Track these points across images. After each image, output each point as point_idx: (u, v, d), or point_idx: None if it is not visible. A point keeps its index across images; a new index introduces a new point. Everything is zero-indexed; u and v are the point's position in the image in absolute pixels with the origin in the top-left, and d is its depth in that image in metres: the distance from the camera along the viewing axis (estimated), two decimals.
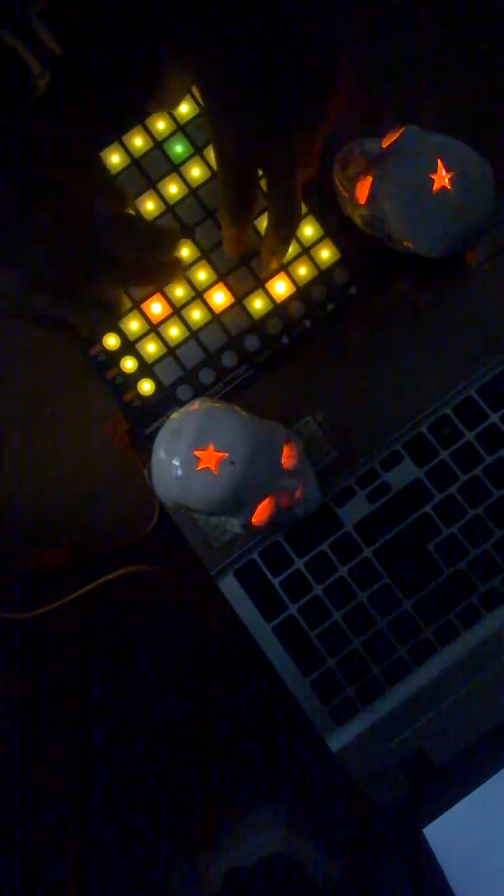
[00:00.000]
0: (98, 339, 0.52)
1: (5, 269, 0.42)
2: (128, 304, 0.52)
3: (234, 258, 0.52)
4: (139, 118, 0.52)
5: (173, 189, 0.52)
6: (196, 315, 0.53)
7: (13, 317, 0.44)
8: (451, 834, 0.49)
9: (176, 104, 0.51)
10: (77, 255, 0.43)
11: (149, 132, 0.53)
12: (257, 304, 0.53)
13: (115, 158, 0.52)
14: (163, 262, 0.48)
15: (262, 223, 0.51)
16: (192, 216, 0.52)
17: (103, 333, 0.52)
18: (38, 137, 0.42)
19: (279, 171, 0.44)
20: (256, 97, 0.41)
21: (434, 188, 0.46)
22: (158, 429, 0.48)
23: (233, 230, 0.48)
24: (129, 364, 0.53)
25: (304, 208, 0.51)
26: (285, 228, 0.47)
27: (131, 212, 0.52)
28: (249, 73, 0.41)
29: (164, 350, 0.53)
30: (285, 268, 0.53)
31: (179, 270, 0.50)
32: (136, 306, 0.52)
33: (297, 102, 0.42)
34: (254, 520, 0.46)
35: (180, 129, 0.52)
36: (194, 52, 0.42)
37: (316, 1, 0.41)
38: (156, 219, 0.52)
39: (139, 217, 0.52)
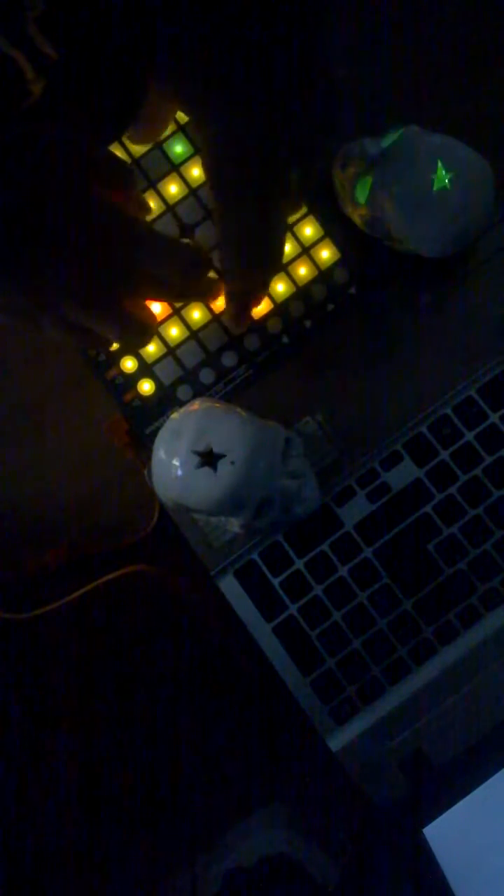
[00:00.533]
0: (126, 354, 0.52)
1: (42, 280, 0.42)
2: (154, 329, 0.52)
3: (238, 325, 0.51)
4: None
5: (173, 189, 0.52)
6: (196, 315, 0.53)
7: (47, 326, 0.44)
8: (451, 834, 0.49)
9: (158, 135, 0.51)
10: (113, 269, 0.43)
11: None
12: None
13: None
14: (199, 283, 0.48)
15: None
16: (192, 216, 0.52)
17: (134, 349, 0.52)
18: (82, 150, 0.42)
19: (270, 210, 0.44)
20: (255, 125, 0.41)
21: (434, 188, 0.46)
22: (158, 429, 0.48)
23: (235, 275, 0.47)
24: (129, 364, 0.53)
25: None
26: (264, 268, 0.47)
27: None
28: (246, 108, 0.41)
29: (164, 350, 0.53)
30: (285, 268, 0.53)
31: (217, 290, 0.50)
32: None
33: (297, 135, 0.42)
34: (254, 520, 0.46)
35: (180, 129, 0.52)
36: (189, 76, 0.42)
37: (306, 29, 0.41)
38: (156, 219, 0.52)
39: (178, 239, 0.52)
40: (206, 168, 0.43)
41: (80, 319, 0.44)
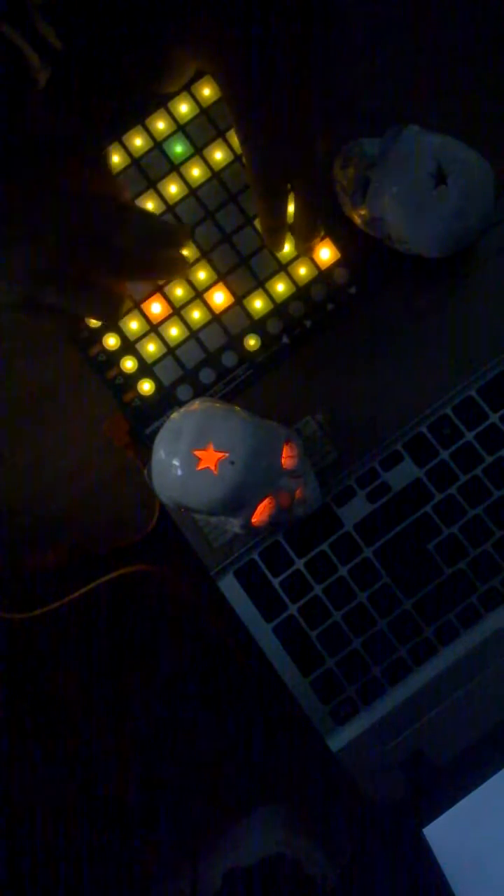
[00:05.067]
0: (100, 335, 0.52)
1: (13, 259, 0.42)
2: (129, 303, 0.52)
3: (279, 250, 0.52)
4: (139, 118, 0.52)
5: (173, 189, 0.52)
6: (196, 315, 0.53)
7: (20, 307, 0.44)
8: (451, 834, 0.49)
9: (178, 86, 0.51)
10: (82, 245, 0.43)
11: (149, 132, 0.53)
12: (257, 304, 0.53)
13: (115, 158, 0.52)
14: (168, 258, 0.48)
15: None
16: (192, 216, 0.52)
17: (106, 326, 0.52)
18: (46, 131, 0.42)
19: (303, 135, 0.45)
20: (277, 67, 0.42)
21: (434, 188, 0.46)
22: (158, 429, 0.48)
23: (271, 220, 0.48)
24: (129, 364, 0.53)
25: None
26: (314, 191, 0.48)
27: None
28: (267, 45, 0.42)
29: (164, 350, 0.53)
30: (285, 268, 0.53)
31: (184, 267, 0.50)
32: (136, 306, 0.52)
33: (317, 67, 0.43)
34: (254, 520, 0.46)
35: (180, 129, 0.52)
36: (211, 46, 0.42)
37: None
38: None
39: (146, 211, 0.52)
40: (233, 101, 0.44)
41: (43, 295, 0.44)
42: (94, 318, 0.51)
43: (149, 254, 0.47)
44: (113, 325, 0.52)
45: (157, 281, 0.52)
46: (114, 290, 0.47)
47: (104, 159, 0.46)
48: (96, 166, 0.46)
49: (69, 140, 0.44)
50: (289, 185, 0.48)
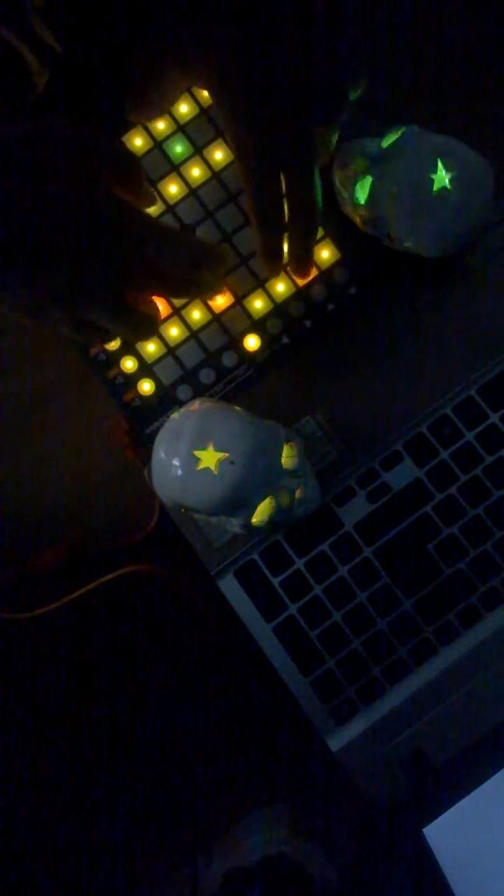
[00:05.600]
0: (129, 347, 0.53)
1: (50, 276, 0.42)
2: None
3: (274, 274, 0.52)
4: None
5: (173, 189, 0.52)
6: (196, 315, 0.53)
7: (64, 325, 0.45)
8: (451, 834, 0.49)
9: (164, 112, 0.51)
10: (118, 264, 0.43)
11: (149, 132, 0.53)
12: (257, 304, 0.53)
13: None
14: (208, 279, 0.48)
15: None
16: (192, 216, 0.53)
17: (138, 343, 0.52)
18: (87, 144, 0.42)
19: (300, 168, 0.44)
20: (276, 96, 0.42)
21: (434, 188, 0.46)
22: (158, 429, 0.48)
23: (268, 240, 0.48)
24: (129, 364, 0.53)
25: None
26: (308, 228, 0.48)
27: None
28: (267, 72, 0.41)
29: (164, 350, 0.53)
30: (285, 268, 0.53)
31: (222, 288, 0.50)
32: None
33: (318, 96, 0.43)
34: (254, 520, 0.46)
35: (180, 129, 0.52)
36: (206, 55, 0.42)
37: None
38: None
39: (189, 233, 0.52)
40: (233, 139, 0.44)
41: (88, 315, 0.44)
42: (130, 338, 0.51)
43: (190, 277, 0.46)
44: (140, 342, 0.52)
45: (194, 299, 0.52)
46: (149, 309, 0.47)
47: (140, 173, 0.46)
48: (134, 183, 0.45)
49: (109, 152, 0.43)
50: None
